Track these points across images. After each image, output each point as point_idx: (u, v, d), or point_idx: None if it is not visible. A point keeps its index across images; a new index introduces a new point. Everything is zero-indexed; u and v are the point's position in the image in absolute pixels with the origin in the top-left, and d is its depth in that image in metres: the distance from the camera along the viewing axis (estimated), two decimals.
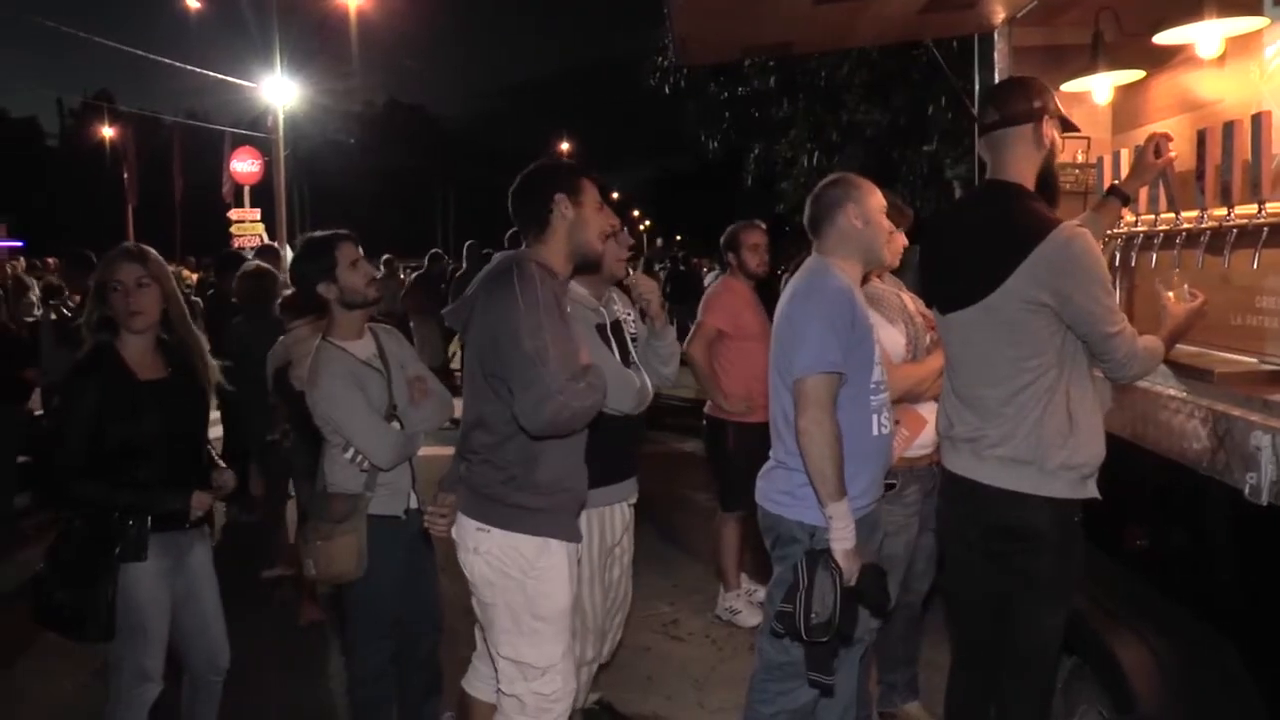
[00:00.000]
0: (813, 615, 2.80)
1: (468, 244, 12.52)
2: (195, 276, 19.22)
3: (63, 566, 3.28)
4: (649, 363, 3.67)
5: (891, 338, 3.61)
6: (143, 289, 3.31)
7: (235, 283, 6.35)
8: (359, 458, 3.53)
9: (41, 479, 7.26)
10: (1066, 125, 2.99)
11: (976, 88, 5.15)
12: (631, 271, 3.79)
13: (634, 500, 3.73)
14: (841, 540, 2.83)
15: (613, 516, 3.60)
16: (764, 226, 5.55)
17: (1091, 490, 2.77)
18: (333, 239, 3.59)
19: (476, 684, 3.37)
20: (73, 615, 3.25)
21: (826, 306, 2.93)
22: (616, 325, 3.61)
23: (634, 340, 3.68)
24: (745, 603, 5.38)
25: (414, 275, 15.32)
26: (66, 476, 3.25)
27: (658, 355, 3.68)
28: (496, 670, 3.04)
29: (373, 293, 3.61)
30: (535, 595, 2.91)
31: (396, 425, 3.57)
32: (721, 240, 5.54)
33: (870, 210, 3.08)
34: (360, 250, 3.62)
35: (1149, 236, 3.73)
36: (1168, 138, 3.35)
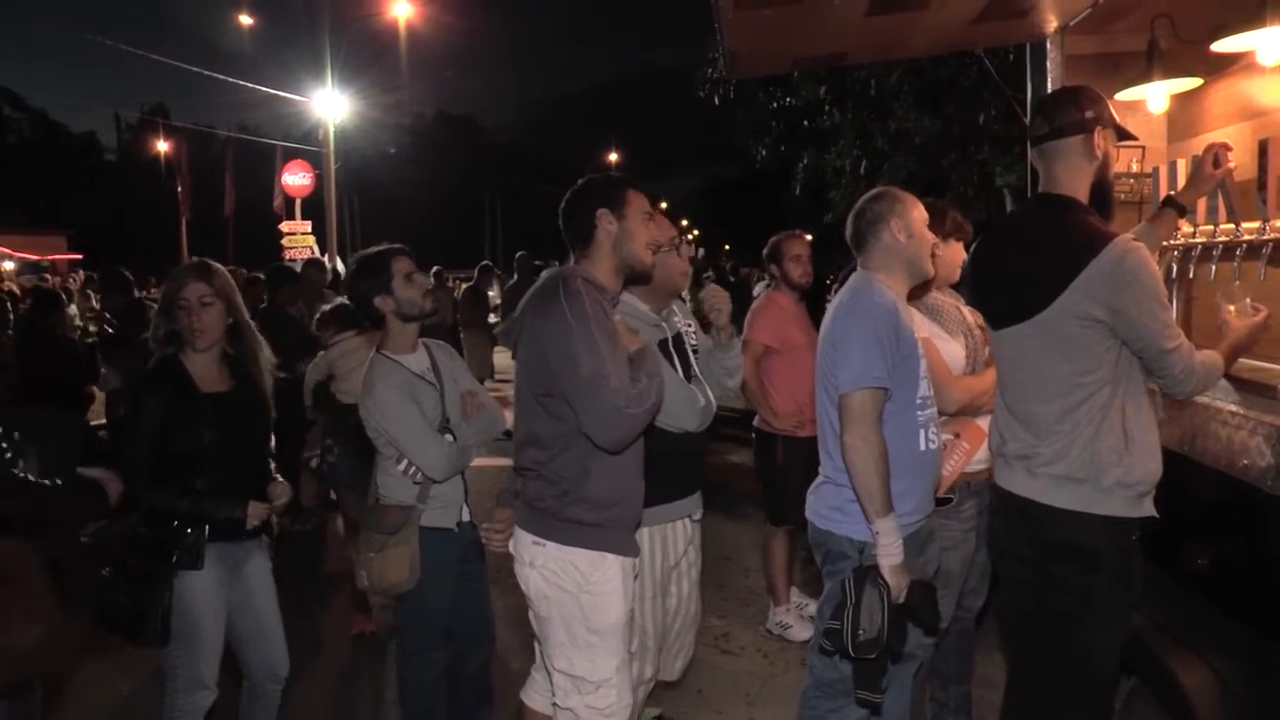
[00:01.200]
0: (860, 632, 2.79)
1: (519, 255, 12.48)
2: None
3: (124, 571, 3.36)
4: (713, 374, 3.62)
5: (952, 351, 3.57)
6: (207, 307, 3.42)
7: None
8: (412, 470, 3.56)
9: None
10: (1122, 135, 2.94)
11: (1029, 96, 5.09)
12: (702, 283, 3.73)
13: (698, 516, 3.67)
14: (889, 556, 2.83)
15: (674, 533, 3.54)
16: (807, 236, 5.51)
17: (1148, 509, 2.72)
18: (387, 253, 3.65)
19: (534, 695, 3.37)
20: (131, 619, 3.32)
21: (870, 322, 2.92)
22: (679, 339, 3.58)
23: (695, 352, 3.65)
24: (796, 617, 5.35)
25: (465, 288, 15.39)
26: (133, 485, 3.32)
27: (723, 368, 3.63)
28: (551, 683, 3.05)
29: (428, 304, 3.67)
30: (590, 609, 2.92)
31: (449, 438, 3.59)
32: (764, 252, 5.51)
33: (914, 224, 3.08)
34: (414, 263, 3.67)
35: (1208, 248, 3.66)
36: (1227, 147, 3.28)
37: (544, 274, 3.10)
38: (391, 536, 3.52)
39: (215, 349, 3.49)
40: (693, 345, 3.66)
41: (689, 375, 3.52)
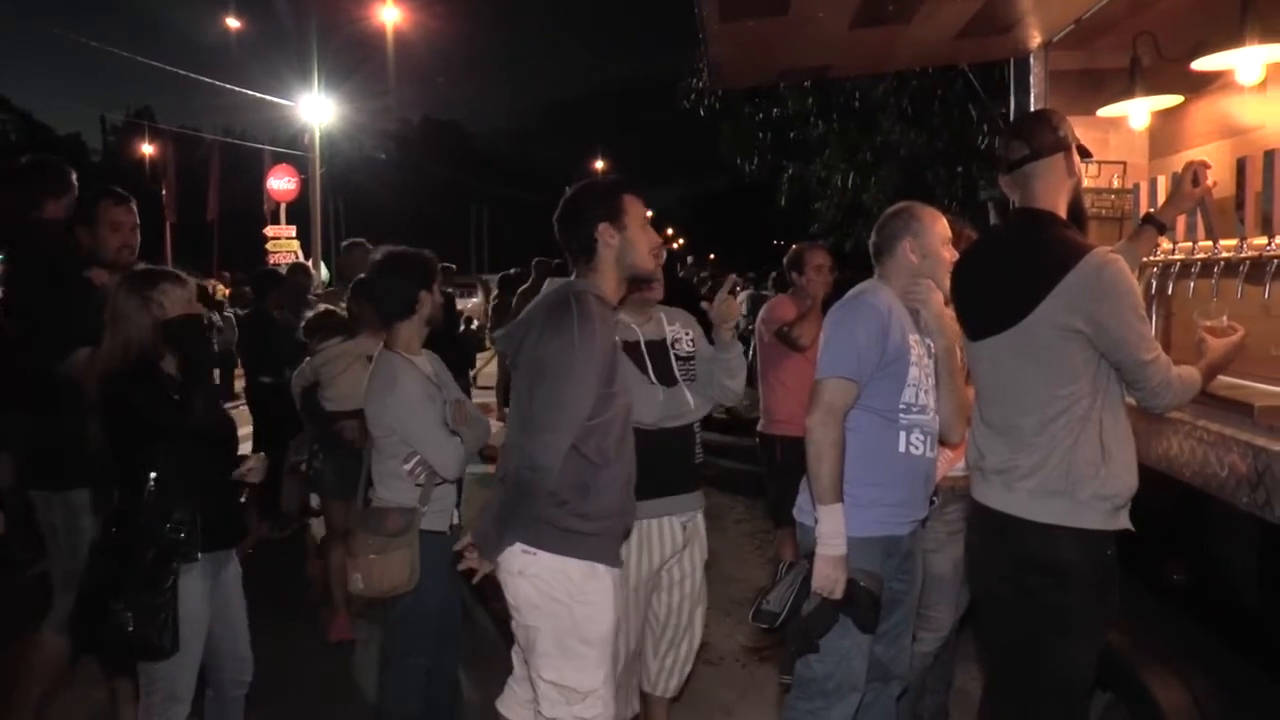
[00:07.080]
0: (765, 601, 3.03)
1: (536, 260, 11.99)
2: (228, 291, 19.32)
3: (126, 589, 3.14)
4: (716, 376, 3.64)
5: None
6: None
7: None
8: (417, 470, 3.59)
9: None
10: (1083, 153, 2.97)
11: (1012, 111, 5.13)
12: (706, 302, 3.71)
13: (686, 519, 3.65)
14: (825, 545, 2.92)
15: (657, 533, 3.55)
16: (828, 248, 5.54)
17: (1124, 522, 2.73)
18: (433, 258, 3.77)
19: (513, 705, 3.32)
20: (139, 635, 3.12)
21: (855, 319, 3.06)
22: (657, 344, 3.60)
23: (684, 359, 3.65)
24: None
25: None
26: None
27: (725, 368, 3.64)
28: (536, 693, 3.01)
29: (440, 315, 3.82)
30: (581, 619, 2.88)
31: (458, 439, 3.63)
32: (785, 260, 5.54)
33: (929, 245, 3.16)
34: None
35: (1186, 265, 3.70)
36: (1206, 165, 3.32)
37: (551, 285, 3.10)
38: (394, 539, 3.52)
39: None
40: (685, 353, 3.67)
41: (670, 379, 3.56)
